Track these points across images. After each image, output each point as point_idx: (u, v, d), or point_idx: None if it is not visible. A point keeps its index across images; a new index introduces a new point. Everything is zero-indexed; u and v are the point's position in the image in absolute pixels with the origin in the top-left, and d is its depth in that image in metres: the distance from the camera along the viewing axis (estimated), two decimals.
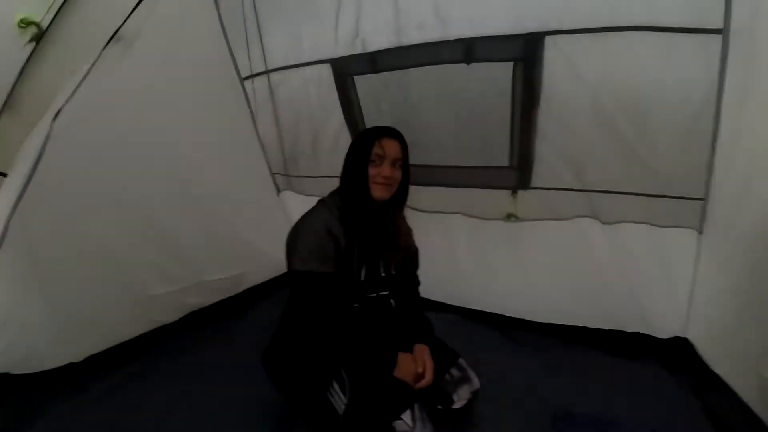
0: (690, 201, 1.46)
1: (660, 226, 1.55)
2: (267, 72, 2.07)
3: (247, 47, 2.02)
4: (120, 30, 1.46)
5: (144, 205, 1.74)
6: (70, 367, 1.59)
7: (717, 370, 1.47)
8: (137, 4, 1.44)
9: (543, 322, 1.86)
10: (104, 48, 1.43)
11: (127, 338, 1.77)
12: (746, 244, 1.31)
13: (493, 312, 1.98)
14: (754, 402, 1.28)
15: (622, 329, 1.72)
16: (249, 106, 2.20)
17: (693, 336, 1.61)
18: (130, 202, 1.70)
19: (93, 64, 1.39)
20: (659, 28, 1.25)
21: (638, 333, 1.70)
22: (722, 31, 1.19)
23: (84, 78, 1.38)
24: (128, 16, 1.45)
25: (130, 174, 1.67)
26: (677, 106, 1.34)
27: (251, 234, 2.21)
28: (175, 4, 1.66)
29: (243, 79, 2.13)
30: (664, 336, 1.67)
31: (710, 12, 1.18)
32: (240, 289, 2.24)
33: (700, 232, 1.50)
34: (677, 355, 1.62)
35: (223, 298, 2.15)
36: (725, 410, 1.35)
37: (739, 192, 1.32)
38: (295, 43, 1.91)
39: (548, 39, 1.40)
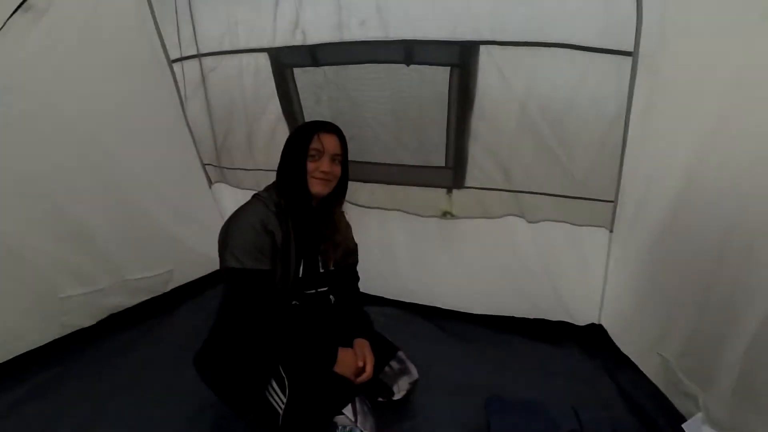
0: (602, 203, 1.62)
1: (577, 225, 1.70)
2: (199, 56, 1.94)
3: (177, 27, 1.88)
4: None
5: (53, 195, 1.56)
6: None
7: (626, 352, 1.65)
8: None
9: (476, 313, 1.97)
10: (10, 17, 1.28)
11: (35, 346, 1.59)
12: (646, 242, 1.49)
13: (430, 305, 2.06)
14: (657, 378, 1.47)
15: (545, 318, 1.88)
16: (178, 91, 2.04)
17: (606, 322, 1.80)
18: (37, 192, 1.51)
19: None
20: (580, 47, 1.37)
21: (560, 321, 1.86)
22: (632, 54, 1.34)
23: None
24: None
25: (37, 159, 1.50)
26: (593, 116, 1.48)
27: (179, 228, 2.08)
28: None
29: (171, 62, 1.98)
30: (581, 323, 1.84)
31: (623, 37, 1.32)
32: (167, 289, 2.09)
33: (611, 231, 1.66)
34: (593, 340, 1.80)
35: (147, 298, 2.00)
36: (633, 387, 1.53)
37: (642, 195, 1.49)
38: (231, 28, 1.81)
39: (482, 48, 1.47)
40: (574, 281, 1.79)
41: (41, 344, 1.61)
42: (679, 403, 1.35)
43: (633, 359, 1.61)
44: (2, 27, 1.27)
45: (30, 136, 1.46)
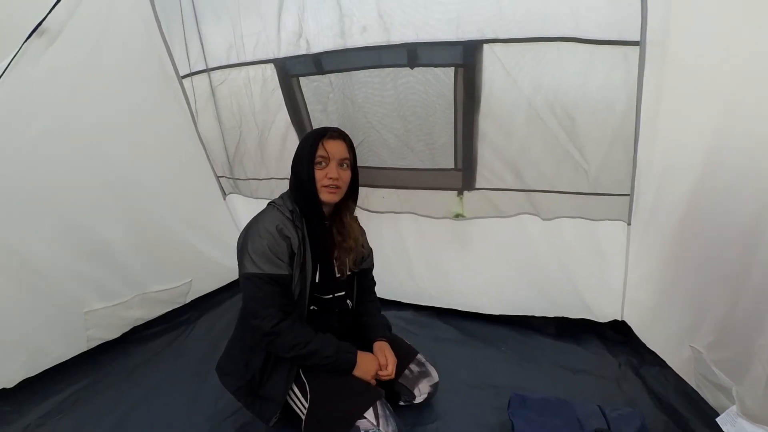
0: (617, 197, 1.59)
1: (593, 220, 1.67)
2: (207, 70, 1.98)
3: (186, 44, 1.92)
4: (43, 23, 1.35)
5: (73, 212, 1.61)
6: (1, 393, 1.48)
7: (652, 348, 1.62)
8: None
9: (493, 314, 1.95)
10: (25, 42, 1.33)
11: (62, 360, 1.64)
12: (667, 232, 1.45)
13: (447, 307, 2.05)
14: (686, 371, 1.44)
15: (566, 316, 1.85)
16: (189, 106, 2.09)
17: (629, 318, 1.76)
18: (57, 209, 1.57)
19: (12, 59, 1.30)
20: (585, 40, 1.35)
21: (581, 319, 1.83)
22: (639, 44, 1.31)
23: (2, 74, 1.29)
24: (52, 9, 1.35)
25: (56, 178, 1.55)
26: (603, 110, 1.45)
27: (197, 240, 2.12)
28: None
29: (181, 77, 2.02)
30: (604, 320, 1.81)
31: (629, 26, 1.30)
32: (187, 300, 2.13)
33: (629, 223, 1.62)
34: (617, 336, 1.77)
35: (168, 310, 2.04)
36: (660, 382, 1.50)
37: (657, 186, 1.46)
38: (237, 42, 1.84)
39: (486, 47, 1.46)
40: (594, 277, 1.76)
41: (68, 358, 1.66)
42: (712, 396, 1.32)
43: (659, 354, 1.57)
44: (18, 51, 1.33)
45: (47, 155, 1.51)
